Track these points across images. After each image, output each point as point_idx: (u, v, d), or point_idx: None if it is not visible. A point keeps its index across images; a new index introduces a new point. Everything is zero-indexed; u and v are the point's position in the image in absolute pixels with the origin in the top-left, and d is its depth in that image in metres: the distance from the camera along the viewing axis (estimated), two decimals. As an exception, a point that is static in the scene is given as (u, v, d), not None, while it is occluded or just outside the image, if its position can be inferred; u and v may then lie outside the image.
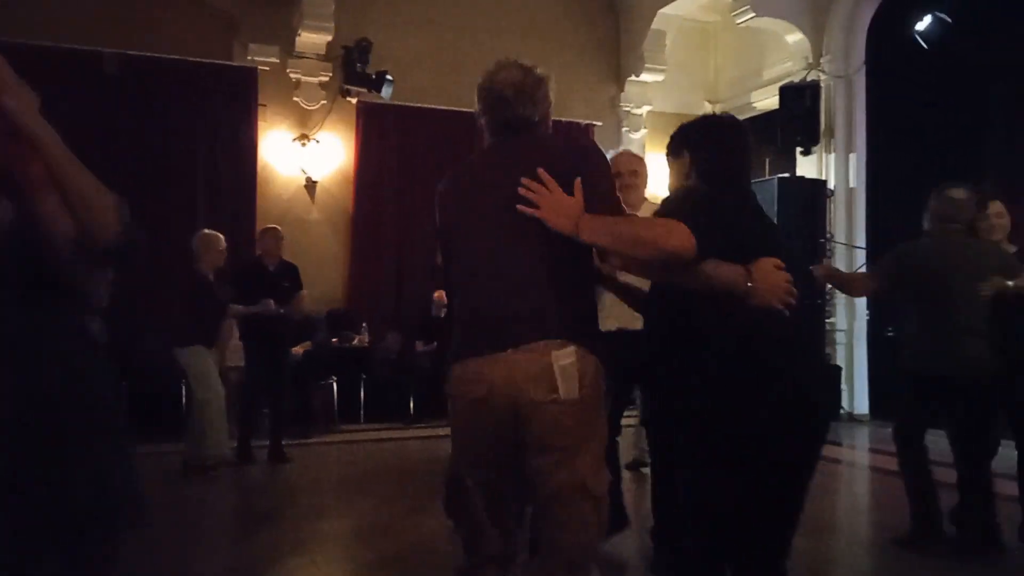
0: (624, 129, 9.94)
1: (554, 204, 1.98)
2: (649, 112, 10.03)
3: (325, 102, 8.59)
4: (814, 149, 8.49)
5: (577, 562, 2.05)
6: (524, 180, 1.99)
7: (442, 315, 5.55)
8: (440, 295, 5.39)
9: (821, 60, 8.52)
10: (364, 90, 8.44)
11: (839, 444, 7.06)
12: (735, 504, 2.07)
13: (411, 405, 7.93)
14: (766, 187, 8.28)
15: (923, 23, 7.97)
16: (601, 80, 9.95)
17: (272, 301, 5.95)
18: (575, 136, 8.92)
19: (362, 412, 7.98)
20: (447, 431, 2.27)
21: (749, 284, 1.95)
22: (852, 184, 8.41)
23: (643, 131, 10.01)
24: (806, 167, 8.60)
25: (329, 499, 5.18)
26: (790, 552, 2.21)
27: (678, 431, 2.23)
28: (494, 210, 2.06)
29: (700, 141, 2.27)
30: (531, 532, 2.25)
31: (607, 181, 2.12)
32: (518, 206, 1.99)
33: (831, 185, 8.40)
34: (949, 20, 7.89)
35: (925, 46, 8.02)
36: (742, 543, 2.16)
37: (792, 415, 2.03)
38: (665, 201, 2.25)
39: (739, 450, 2.03)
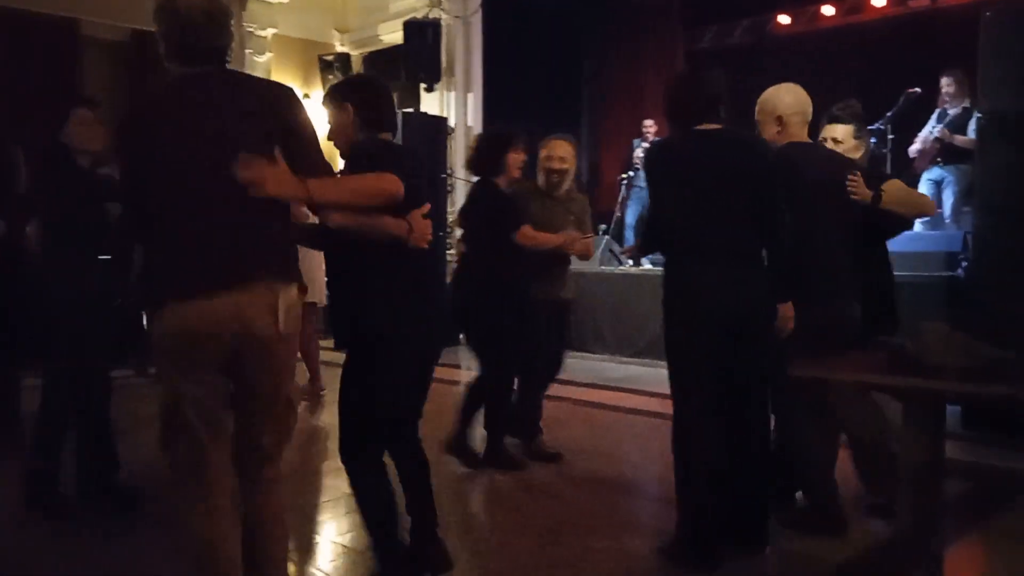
0: (248, 51, 9.40)
1: (278, 178, 2.05)
2: (275, 35, 9.59)
3: None
4: (437, 86, 8.81)
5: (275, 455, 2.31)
6: (242, 161, 1.98)
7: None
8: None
9: (442, -1, 8.81)
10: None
11: (458, 367, 7.62)
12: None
13: None
14: (392, 121, 8.46)
15: (531, -28, 8.60)
16: (221, -4, 9.26)
17: None
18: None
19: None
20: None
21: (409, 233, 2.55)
22: (470, 122, 8.91)
23: (268, 55, 9.57)
24: (430, 103, 8.91)
25: None
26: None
27: None
28: (205, 153, 2.07)
29: (364, 97, 2.68)
30: None
31: (311, 130, 2.23)
32: (242, 182, 1.99)
33: (451, 122, 8.82)
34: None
35: (533, -5, 8.69)
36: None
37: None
38: (357, 152, 2.64)
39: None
